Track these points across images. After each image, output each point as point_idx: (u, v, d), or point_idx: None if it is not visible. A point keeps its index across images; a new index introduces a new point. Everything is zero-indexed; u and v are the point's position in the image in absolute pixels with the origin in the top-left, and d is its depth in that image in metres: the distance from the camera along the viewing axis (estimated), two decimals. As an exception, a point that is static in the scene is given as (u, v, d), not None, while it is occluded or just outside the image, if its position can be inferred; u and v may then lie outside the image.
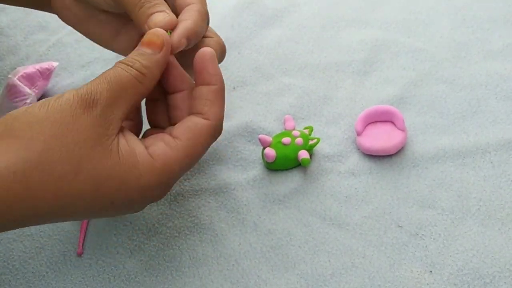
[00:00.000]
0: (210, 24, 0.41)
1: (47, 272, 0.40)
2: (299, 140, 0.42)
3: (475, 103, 0.45)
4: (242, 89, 0.50)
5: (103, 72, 0.34)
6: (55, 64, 0.53)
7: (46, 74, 0.52)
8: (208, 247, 0.40)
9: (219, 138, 0.46)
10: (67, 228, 0.42)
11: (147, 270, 0.39)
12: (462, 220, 0.38)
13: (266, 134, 0.44)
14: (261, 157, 0.44)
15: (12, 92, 0.49)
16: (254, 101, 0.49)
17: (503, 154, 0.41)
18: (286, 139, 0.42)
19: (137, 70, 0.34)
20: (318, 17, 0.57)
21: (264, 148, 0.43)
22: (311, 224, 0.40)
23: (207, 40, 0.40)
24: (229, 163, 0.44)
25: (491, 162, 0.41)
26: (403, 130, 0.42)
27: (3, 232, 0.37)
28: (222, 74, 0.36)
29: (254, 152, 0.45)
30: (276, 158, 0.42)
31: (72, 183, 0.29)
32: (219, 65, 0.37)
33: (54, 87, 0.54)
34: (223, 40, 0.42)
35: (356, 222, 0.39)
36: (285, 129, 0.44)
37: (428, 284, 0.35)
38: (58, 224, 0.42)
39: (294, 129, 0.44)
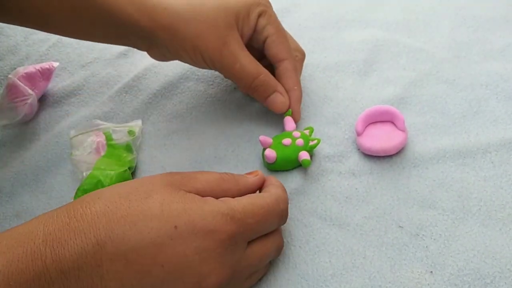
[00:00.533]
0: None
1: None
2: (299, 141, 0.42)
3: (475, 103, 0.45)
4: (243, 89, 0.50)
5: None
6: (55, 64, 0.53)
7: (46, 74, 0.52)
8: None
9: (220, 138, 0.47)
10: None
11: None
12: (462, 220, 0.38)
13: (266, 135, 0.44)
14: (261, 157, 0.44)
15: (12, 92, 0.49)
16: (254, 101, 0.49)
17: (504, 154, 0.41)
18: (287, 140, 0.42)
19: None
20: (318, 17, 0.57)
21: (264, 149, 0.43)
22: (311, 225, 0.40)
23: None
24: (229, 164, 0.44)
25: (492, 162, 0.41)
26: (403, 130, 0.42)
27: None
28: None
29: (254, 152, 0.45)
30: (276, 159, 0.42)
31: (141, 191, 0.32)
32: None
33: (54, 87, 0.54)
34: None
35: (356, 222, 0.39)
36: (285, 129, 0.44)
37: (428, 285, 0.35)
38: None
39: (294, 129, 0.44)
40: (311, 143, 0.42)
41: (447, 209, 0.39)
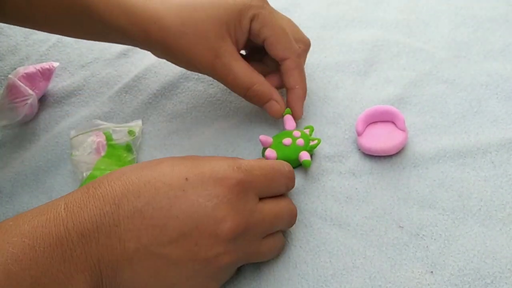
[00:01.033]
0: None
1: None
2: (300, 141, 0.42)
3: (475, 103, 0.45)
4: (243, 89, 0.50)
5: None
6: (55, 64, 0.53)
7: (46, 74, 0.52)
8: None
9: (220, 138, 0.47)
10: None
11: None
12: (463, 220, 0.38)
13: (266, 135, 0.44)
14: (261, 157, 0.44)
15: (12, 92, 0.49)
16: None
17: (504, 154, 0.41)
18: (287, 140, 0.42)
19: None
20: (318, 17, 0.57)
21: (264, 149, 0.43)
22: (312, 224, 0.40)
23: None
24: (230, 164, 0.44)
25: (492, 162, 0.41)
26: (403, 130, 0.42)
27: None
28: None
29: (254, 152, 0.45)
30: (276, 159, 0.42)
31: (156, 161, 0.35)
32: None
33: (54, 87, 0.54)
34: None
35: (357, 222, 0.39)
36: (285, 128, 0.44)
37: (429, 285, 0.35)
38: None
39: (295, 129, 0.44)
40: (311, 143, 0.42)
41: (447, 209, 0.39)
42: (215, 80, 0.51)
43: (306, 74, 0.50)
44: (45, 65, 0.52)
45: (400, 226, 0.39)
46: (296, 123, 0.45)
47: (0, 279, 0.28)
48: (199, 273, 0.32)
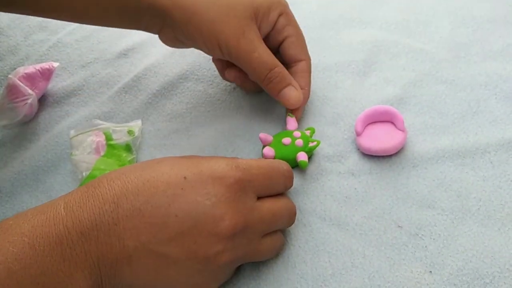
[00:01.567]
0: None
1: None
2: (299, 141, 0.42)
3: (474, 103, 0.45)
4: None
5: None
6: (55, 64, 0.53)
7: (46, 74, 0.52)
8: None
9: (220, 138, 0.47)
10: None
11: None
12: (461, 220, 0.38)
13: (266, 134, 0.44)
14: (261, 155, 0.44)
15: (12, 92, 0.49)
16: (254, 101, 0.49)
17: (503, 154, 0.41)
18: (287, 140, 0.42)
19: None
20: (318, 17, 0.57)
21: (264, 147, 0.43)
22: (311, 224, 0.40)
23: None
24: (229, 163, 0.44)
25: (491, 162, 0.41)
26: (402, 130, 0.42)
27: None
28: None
29: (254, 152, 0.45)
30: (274, 158, 0.42)
31: (155, 161, 0.35)
32: None
33: (54, 87, 0.54)
34: None
35: (356, 222, 0.39)
36: (287, 129, 0.44)
37: (428, 284, 0.35)
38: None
39: (296, 129, 0.44)
40: (310, 145, 0.42)
41: (446, 209, 0.39)
42: (215, 81, 0.51)
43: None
44: (45, 65, 0.52)
45: (399, 226, 0.39)
46: (298, 124, 0.45)
47: (1, 277, 0.28)
48: (198, 271, 0.32)
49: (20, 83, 0.49)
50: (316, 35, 0.54)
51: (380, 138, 0.42)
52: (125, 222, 0.31)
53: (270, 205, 0.35)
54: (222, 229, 0.32)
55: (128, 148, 0.46)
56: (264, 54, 0.42)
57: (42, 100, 0.52)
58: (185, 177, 0.33)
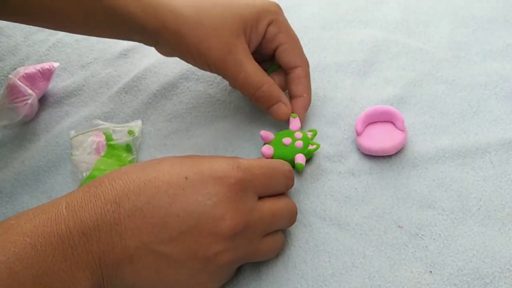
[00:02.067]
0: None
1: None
2: (299, 143, 0.42)
3: (475, 103, 0.45)
4: (242, 89, 0.50)
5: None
6: (55, 64, 0.53)
7: (46, 74, 0.52)
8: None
9: (220, 138, 0.47)
10: None
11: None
12: (462, 220, 0.38)
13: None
14: (261, 154, 0.44)
15: (12, 92, 0.49)
16: (254, 101, 0.49)
17: (503, 154, 0.41)
18: (287, 140, 0.42)
19: None
20: (318, 17, 0.57)
21: (264, 144, 0.43)
22: (311, 224, 0.40)
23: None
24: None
25: (491, 162, 0.41)
26: (403, 130, 0.42)
27: None
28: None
29: (254, 152, 0.45)
30: (273, 158, 0.42)
31: (156, 160, 0.35)
32: None
33: (54, 87, 0.54)
34: None
35: (356, 222, 0.39)
36: (289, 128, 0.44)
37: (428, 284, 0.35)
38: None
39: (298, 130, 0.44)
40: (310, 147, 0.42)
41: (447, 209, 0.39)
42: (215, 80, 0.51)
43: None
44: (45, 65, 0.52)
45: (399, 226, 0.39)
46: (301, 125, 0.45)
47: (2, 277, 0.28)
48: (199, 271, 0.32)
49: (20, 83, 0.49)
50: (317, 35, 0.54)
51: (380, 138, 0.42)
52: (127, 222, 0.31)
53: (270, 205, 0.35)
54: (222, 229, 0.32)
55: (128, 148, 0.46)
56: (251, 73, 0.42)
57: (42, 100, 0.52)
58: (186, 177, 0.33)
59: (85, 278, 0.30)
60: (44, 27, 0.47)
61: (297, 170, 0.42)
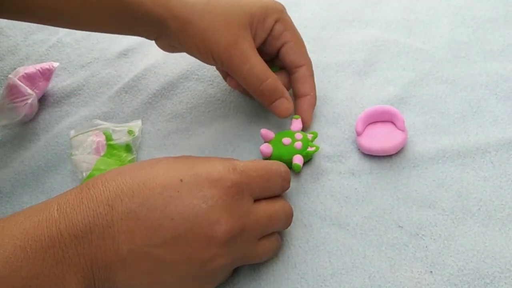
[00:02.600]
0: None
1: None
2: (298, 144, 0.42)
3: (475, 103, 0.45)
4: (242, 89, 0.50)
5: None
6: (55, 64, 0.53)
7: (46, 74, 0.52)
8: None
9: (220, 138, 0.47)
10: None
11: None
12: (462, 220, 0.38)
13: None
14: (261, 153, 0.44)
15: (12, 92, 0.49)
16: (254, 101, 0.49)
17: (504, 154, 0.41)
18: (287, 140, 0.42)
19: None
20: (318, 17, 0.57)
21: (264, 142, 0.43)
22: (311, 224, 0.40)
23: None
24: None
25: (492, 162, 0.41)
26: (403, 130, 0.42)
27: None
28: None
29: (254, 152, 0.45)
30: (271, 157, 0.42)
31: (151, 161, 0.35)
32: None
33: (54, 87, 0.54)
34: None
35: (356, 222, 0.39)
36: (291, 129, 0.44)
37: (428, 285, 0.35)
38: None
39: (299, 131, 0.44)
40: (309, 149, 0.42)
41: (447, 209, 0.39)
42: (215, 80, 0.51)
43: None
44: (45, 65, 0.52)
45: (399, 226, 0.39)
46: (305, 128, 0.45)
47: None
48: (193, 274, 0.32)
49: (20, 83, 0.49)
50: (317, 35, 0.54)
51: (381, 138, 0.42)
52: (120, 225, 0.30)
53: (266, 208, 0.35)
54: (218, 233, 0.31)
55: (128, 148, 0.46)
56: (256, 66, 0.42)
57: (42, 100, 0.52)
58: (181, 180, 0.32)
59: (77, 282, 0.30)
60: (47, 24, 0.46)
61: (294, 170, 0.42)
